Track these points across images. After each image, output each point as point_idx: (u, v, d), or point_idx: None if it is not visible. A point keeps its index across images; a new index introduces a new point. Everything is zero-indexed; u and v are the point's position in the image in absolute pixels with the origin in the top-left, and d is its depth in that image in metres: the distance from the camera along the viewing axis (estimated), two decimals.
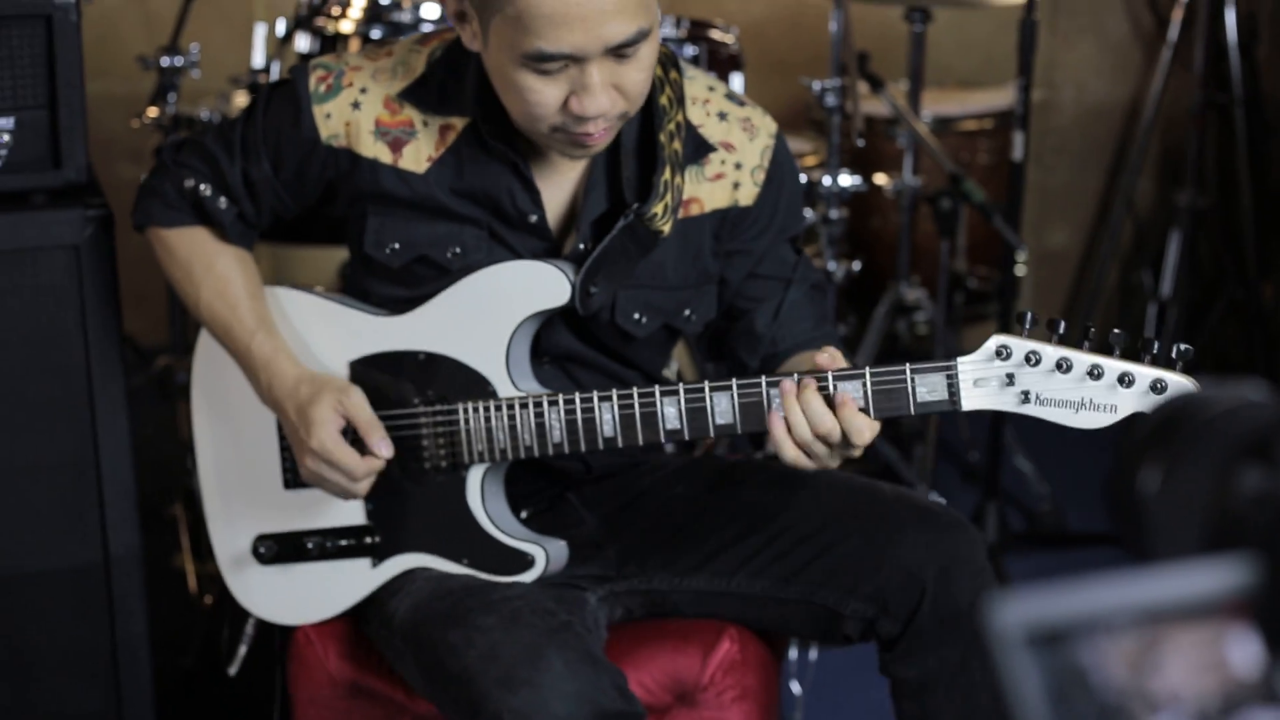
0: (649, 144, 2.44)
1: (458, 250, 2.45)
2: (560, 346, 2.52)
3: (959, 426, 4.68)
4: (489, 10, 2.24)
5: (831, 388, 2.23)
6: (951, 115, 4.76)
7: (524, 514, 2.56)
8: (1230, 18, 4.83)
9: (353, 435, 2.42)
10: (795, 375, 2.26)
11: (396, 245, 2.47)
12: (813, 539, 2.46)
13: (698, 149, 2.48)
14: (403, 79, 2.46)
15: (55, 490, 2.73)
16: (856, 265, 3.71)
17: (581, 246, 2.43)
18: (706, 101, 2.52)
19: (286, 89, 2.50)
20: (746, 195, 2.50)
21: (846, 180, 3.61)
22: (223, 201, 2.54)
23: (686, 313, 2.53)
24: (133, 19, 5.17)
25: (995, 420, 4.04)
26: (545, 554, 2.44)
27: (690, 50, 3.61)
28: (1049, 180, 5.48)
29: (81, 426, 2.73)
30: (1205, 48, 4.87)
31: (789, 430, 2.24)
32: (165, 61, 3.84)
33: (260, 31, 3.79)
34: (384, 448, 2.42)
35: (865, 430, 2.23)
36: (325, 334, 2.53)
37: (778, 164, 2.53)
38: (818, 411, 2.22)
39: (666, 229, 2.42)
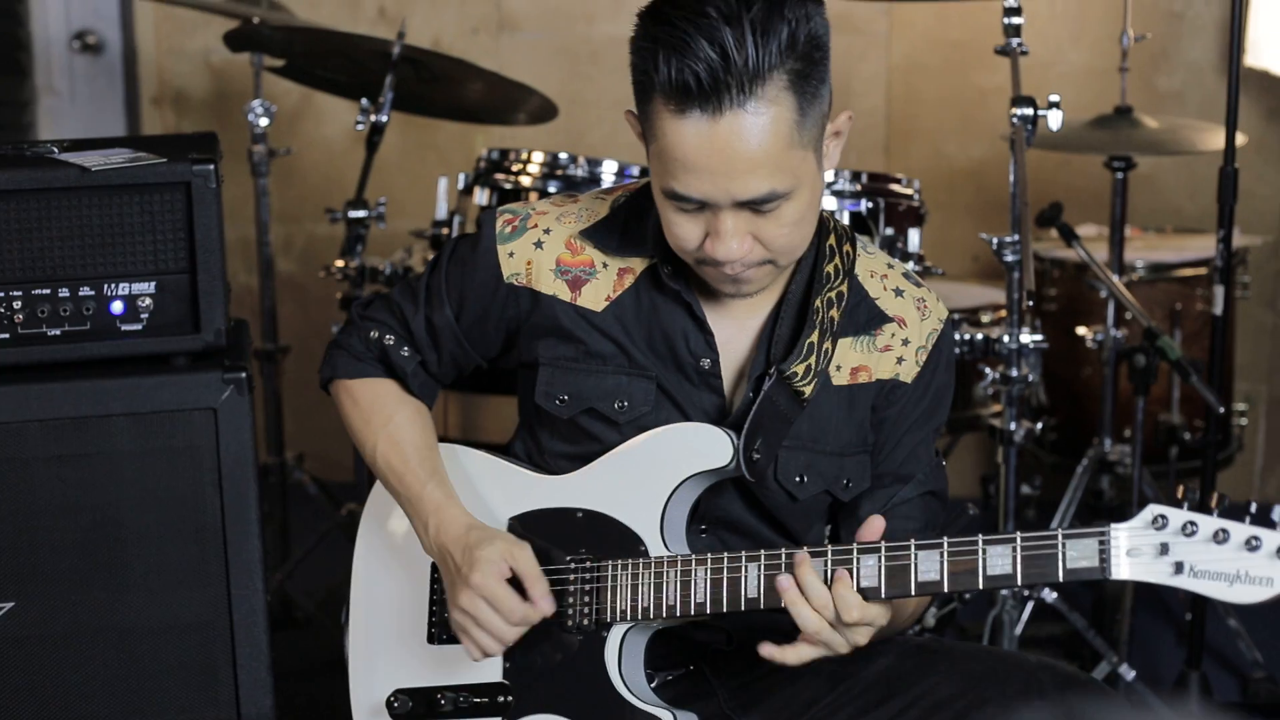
0: (806, 306, 2.45)
1: (625, 404, 2.46)
2: (721, 511, 2.49)
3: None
4: (648, 140, 2.31)
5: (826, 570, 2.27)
6: (1167, 262, 4.59)
7: (655, 682, 2.51)
8: None
9: (516, 588, 2.40)
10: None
11: (565, 397, 2.48)
12: (950, 704, 2.38)
13: (871, 319, 2.49)
14: (586, 220, 2.51)
15: (189, 651, 2.76)
16: (1039, 425, 3.58)
17: (750, 395, 2.42)
18: (884, 277, 2.53)
19: (473, 236, 2.56)
20: (908, 372, 2.51)
21: (1027, 337, 3.48)
22: (406, 351, 2.59)
23: (845, 481, 2.51)
24: (357, 164, 5.26)
25: None
26: None
27: (866, 204, 3.54)
28: None
29: (216, 587, 2.76)
30: None
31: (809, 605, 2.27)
32: (352, 214, 3.89)
33: (443, 185, 3.83)
34: (546, 603, 2.39)
35: (854, 609, 2.23)
36: (490, 490, 2.54)
37: (939, 349, 2.53)
38: (816, 591, 2.25)
39: (808, 391, 2.41)
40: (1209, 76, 5.15)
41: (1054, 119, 3.34)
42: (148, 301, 2.72)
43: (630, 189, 2.55)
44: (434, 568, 2.57)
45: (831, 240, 2.47)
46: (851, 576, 2.26)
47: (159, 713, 2.76)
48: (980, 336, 3.54)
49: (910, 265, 3.39)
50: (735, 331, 2.48)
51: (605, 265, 2.49)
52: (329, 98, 5.17)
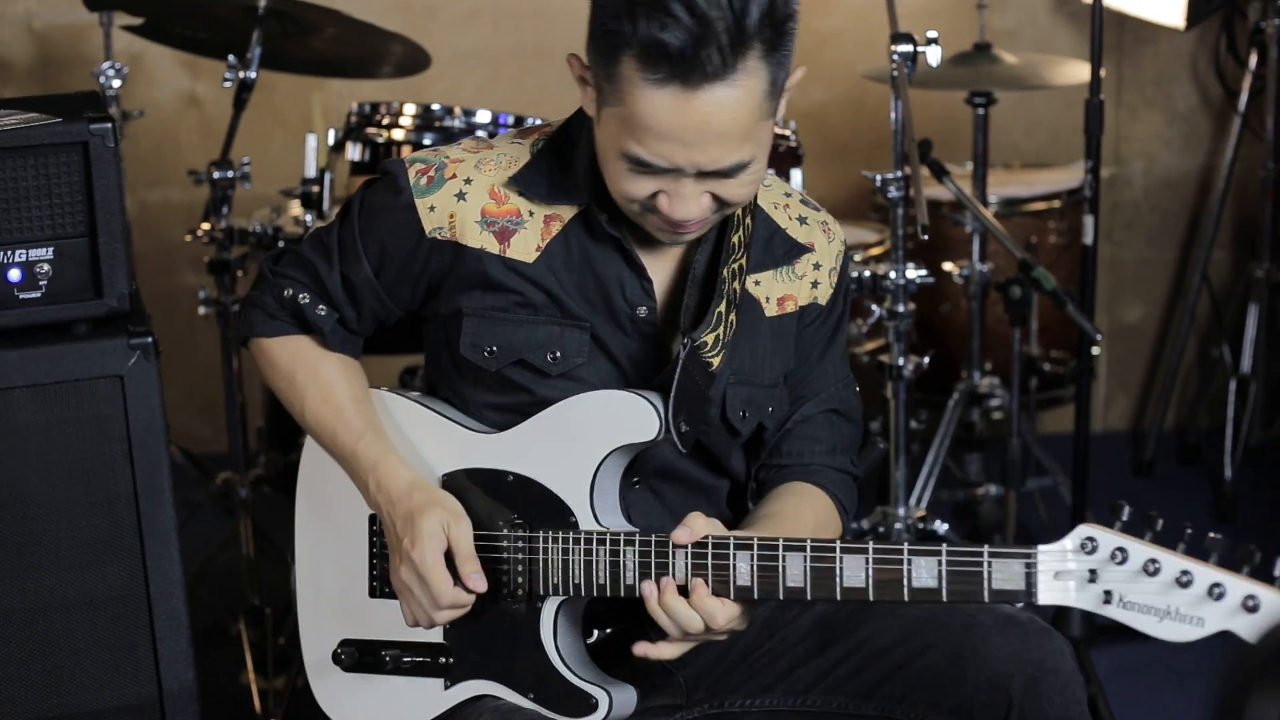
0: (713, 276, 2.40)
1: (557, 354, 2.40)
2: (656, 461, 2.45)
3: (1039, 511, 4.56)
4: (606, 98, 2.23)
5: (680, 569, 2.26)
6: (1019, 196, 4.67)
7: (593, 638, 2.48)
8: None
9: (450, 563, 2.36)
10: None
11: (495, 348, 2.42)
12: (890, 652, 2.38)
13: (790, 250, 2.49)
14: (508, 168, 2.43)
15: (106, 626, 2.67)
16: (926, 360, 3.61)
17: (686, 342, 2.37)
18: (786, 206, 2.53)
19: (384, 186, 2.45)
20: (823, 294, 2.52)
21: (913, 273, 3.51)
22: (322, 309, 2.50)
23: (770, 409, 2.50)
24: (190, 127, 5.17)
25: (1077, 507, 3.91)
26: (609, 699, 2.35)
27: None
28: (1121, 255, 5.37)
29: (131, 559, 2.66)
30: (1276, 116, 4.77)
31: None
32: (217, 175, 3.79)
33: (312, 142, 3.74)
34: (477, 581, 2.34)
35: (718, 615, 2.23)
36: (424, 443, 2.48)
37: (844, 269, 2.56)
38: (681, 614, 2.24)
39: (716, 362, 2.37)
40: (1042, 15, 5.23)
41: (933, 55, 3.35)
42: (46, 268, 2.61)
43: (545, 132, 2.48)
44: (371, 519, 2.51)
45: (737, 212, 2.42)
46: (778, 575, 2.22)
47: (77, 691, 2.66)
48: (868, 273, 3.56)
49: None
50: (666, 276, 2.44)
51: (532, 214, 2.41)
52: (158, 62, 5.06)
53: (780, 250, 2.48)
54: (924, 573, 2.15)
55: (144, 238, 5.14)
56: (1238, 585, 2.00)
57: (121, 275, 2.64)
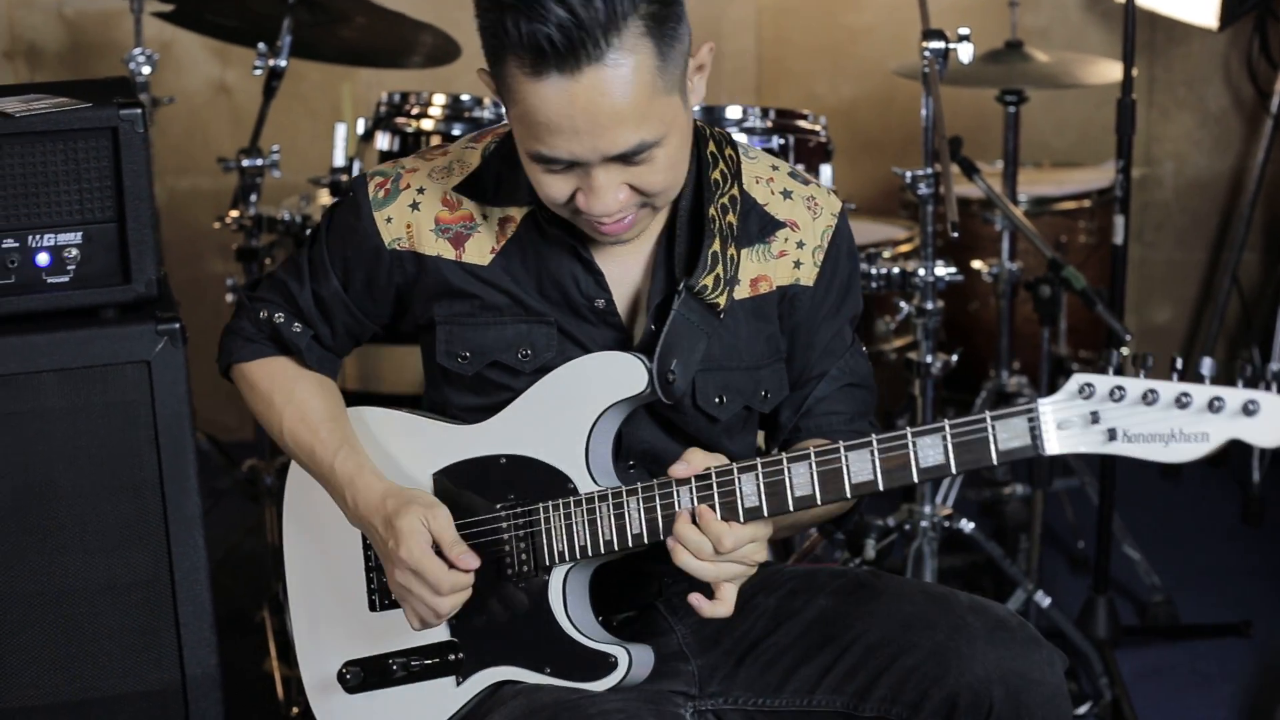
0: (700, 218, 2.40)
1: (528, 352, 2.42)
2: (644, 443, 2.46)
3: (1065, 512, 4.54)
4: (507, 103, 2.25)
5: (685, 502, 2.26)
6: (1049, 196, 4.65)
7: (614, 622, 2.49)
8: None
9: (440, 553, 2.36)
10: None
11: (467, 354, 2.44)
12: (880, 649, 2.36)
13: (764, 227, 2.46)
14: (458, 174, 2.45)
15: (130, 611, 2.68)
16: (954, 358, 3.59)
17: (653, 327, 2.39)
18: (770, 180, 2.49)
19: (347, 204, 2.50)
20: (807, 275, 2.48)
21: (942, 270, 3.49)
22: (297, 326, 2.53)
23: (763, 392, 2.49)
24: (220, 115, 5.18)
25: (1103, 508, 3.89)
26: (628, 656, 2.35)
27: (778, 141, 3.52)
28: (1151, 256, 5.35)
29: (156, 545, 2.67)
30: None
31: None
32: (246, 163, 3.80)
33: (341, 131, 3.74)
34: (468, 560, 2.35)
35: (725, 537, 2.22)
36: (408, 448, 2.49)
37: (836, 245, 2.50)
38: (693, 540, 2.24)
39: (722, 301, 2.38)
40: (1074, 13, 5.21)
41: (964, 51, 3.34)
42: (75, 252, 2.62)
43: (500, 133, 2.48)
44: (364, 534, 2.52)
45: (711, 147, 2.43)
46: (785, 488, 2.23)
47: (100, 676, 2.67)
48: (896, 270, 3.55)
49: None
50: (626, 265, 2.44)
51: (485, 217, 2.43)
52: (186, 49, 5.06)
53: (755, 227, 2.46)
54: (930, 452, 2.16)
55: (172, 225, 5.15)
56: (1235, 395, 2.00)
57: (150, 261, 2.65)
